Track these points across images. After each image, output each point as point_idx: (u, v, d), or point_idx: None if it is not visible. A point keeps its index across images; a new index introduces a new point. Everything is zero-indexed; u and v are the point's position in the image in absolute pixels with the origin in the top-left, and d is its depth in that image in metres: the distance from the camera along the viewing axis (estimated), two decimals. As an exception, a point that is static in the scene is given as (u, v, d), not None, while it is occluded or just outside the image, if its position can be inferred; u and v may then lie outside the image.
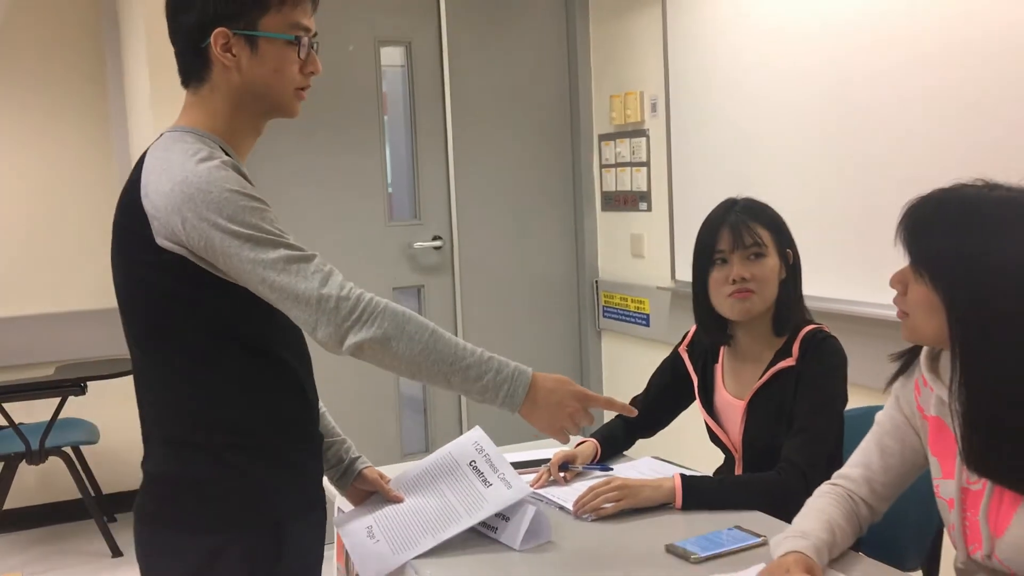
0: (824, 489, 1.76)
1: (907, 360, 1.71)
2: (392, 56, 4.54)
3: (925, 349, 1.64)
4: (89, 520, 4.45)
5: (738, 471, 2.22)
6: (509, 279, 4.77)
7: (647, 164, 4.33)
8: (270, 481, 1.65)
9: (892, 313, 1.62)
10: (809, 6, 3.27)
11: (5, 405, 4.15)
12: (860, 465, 1.75)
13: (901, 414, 1.71)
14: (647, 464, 2.31)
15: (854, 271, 3.12)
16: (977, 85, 2.71)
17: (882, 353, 1.76)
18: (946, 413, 1.56)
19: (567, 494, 2.06)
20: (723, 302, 2.15)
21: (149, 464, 1.70)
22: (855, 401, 2.19)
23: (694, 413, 2.35)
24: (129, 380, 4.78)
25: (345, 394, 4.16)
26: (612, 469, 2.26)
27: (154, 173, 1.56)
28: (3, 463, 4.27)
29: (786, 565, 1.53)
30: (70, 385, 4.26)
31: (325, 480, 1.90)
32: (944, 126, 2.81)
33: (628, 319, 4.58)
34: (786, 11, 3.37)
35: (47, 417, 4.25)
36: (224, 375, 1.61)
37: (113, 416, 4.72)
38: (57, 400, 4.25)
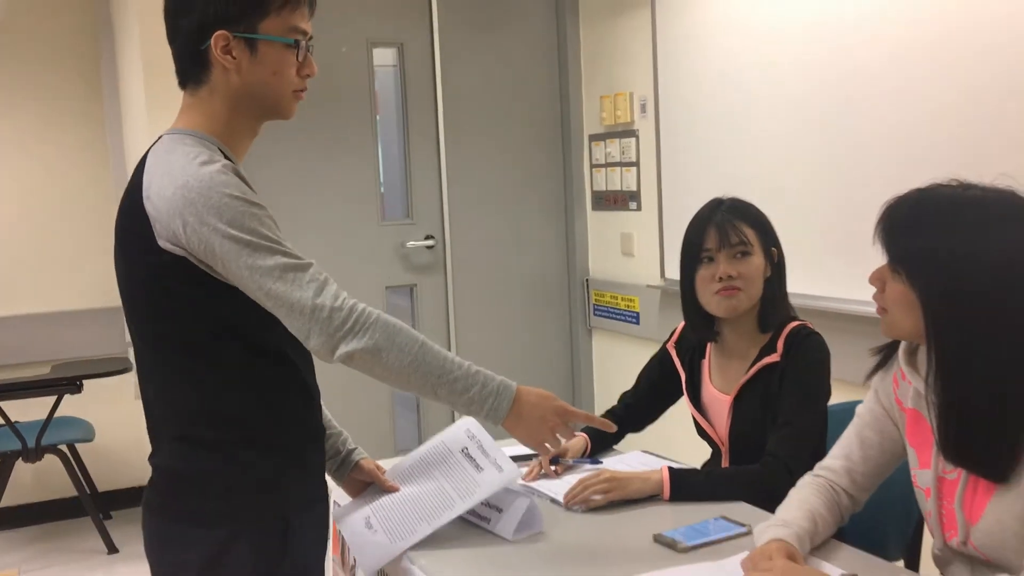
0: (806, 480, 1.82)
1: (886, 354, 1.76)
2: (384, 56, 4.58)
3: (903, 344, 1.69)
4: (85, 517, 4.48)
5: (725, 464, 2.27)
6: (501, 278, 4.81)
7: (637, 164, 4.38)
8: (277, 475, 1.68)
9: (873, 309, 1.68)
10: (796, 8, 3.33)
11: (1, 403, 4.18)
12: (841, 457, 1.80)
13: (880, 406, 1.77)
14: (636, 458, 2.35)
15: (837, 269, 3.18)
16: (961, 84, 2.76)
17: (864, 348, 1.81)
18: (923, 405, 1.61)
19: (558, 487, 2.10)
20: (710, 299, 2.20)
21: (157, 458, 1.72)
22: (839, 395, 2.24)
23: (682, 408, 2.39)
24: (123, 379, 4.82)
25: (339, 391, 4.17)
26: (602, 463, 2.30)
27: (156, 176, 1.58)
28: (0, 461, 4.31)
29: (768, 552, 1.58)
30: (66, 383, 4.29)
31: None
32: (927, 127, 2.87)
33: (618, 317, 4.63)
34: (774, 13, 3.43)
35: (43, 415, 4.27)
36: (230, 373, 1.64)
37: (108, 414, 4.76)
38: (53, 398, 4.28)
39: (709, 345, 2.33)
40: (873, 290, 1.64)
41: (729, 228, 2.18)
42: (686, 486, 2.03)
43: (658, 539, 1.80)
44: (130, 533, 4.56)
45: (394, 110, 4.62)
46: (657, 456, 2.36)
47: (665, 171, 4.12)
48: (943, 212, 1.51)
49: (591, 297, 4.85)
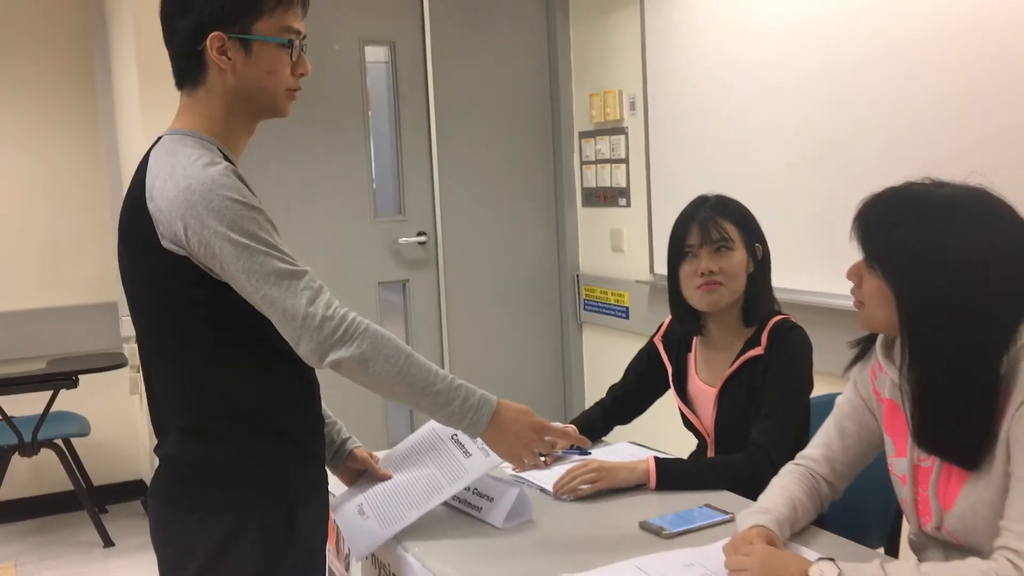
0: (788, 468, 1.87)
1: (864, 347, 1.81)
2: (376, 53, 4.61)
3: (881, 336, 1.73)
4: (81, 511, 4.52)
5: (710, 455, 2.32)
6: (492, 273, 4.85)
7: (626, 161, 4.43)
8: (284, 464, 1.72)
9: (852, 303, 1.73)
10: (783, 7, 3.37)
11: (-2, 398, 4.21)
12: (821, 446, 1.86)
13: (859, 397, 1.82)
14: (624, 449, 2.40)
15: (819, 264, 3.23)
16: (944, 82, 2.82)
17: (844, 341, 1.86)
18: (899, 395, 1.67)
19: (548, 477, 2.15)
20: (693, 294, 2.26)
21: (165, 449, 1.75)
22: (821, 388, 2.29)
23: (669, 400, 2.44)
24: (118, 374, 4.85)
25: (336, 384, 4.21)
26: (590, 453, 2.34)
27: (159, 178, 1.61)
28: (-4, 455, 4.34)
29: (749, 537, 1.63)
30: (62, 379, 4.33)
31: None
32: (911, 125, 2.92)
33: (608, 312, 4.68)
34: (761, 12, 3.47)
35: (39, 410, 4.31)
36: (236, 367, 1.67)
37: (103, 409, 4.81)
38: (49, 393, 4.31)
39: (695, 338, 2.38)
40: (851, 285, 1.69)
41: (711, 225, 2.23)
42: (671, 475, 2.08)
43: (644, 526, 1.86)
44: (126, 527, 4.61)
45: (386, 108, 4.65)
46: (644, 447, 2.40)
47: (654, 168, 4.17)
48: (916, 210, 1.56)
49: (581, 292, 4.90)
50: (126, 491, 4.98)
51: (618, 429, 2.52)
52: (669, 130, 4.04)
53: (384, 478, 2.00)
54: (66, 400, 4.46)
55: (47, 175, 4.81)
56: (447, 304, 4.76)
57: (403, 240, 4.64)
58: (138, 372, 4.78)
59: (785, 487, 1.81)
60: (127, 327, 4.69)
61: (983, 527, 1.56)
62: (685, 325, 2.36)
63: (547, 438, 1.80)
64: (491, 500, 1.93)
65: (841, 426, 1.84)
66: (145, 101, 3.89)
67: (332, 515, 2.02)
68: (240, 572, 1.68)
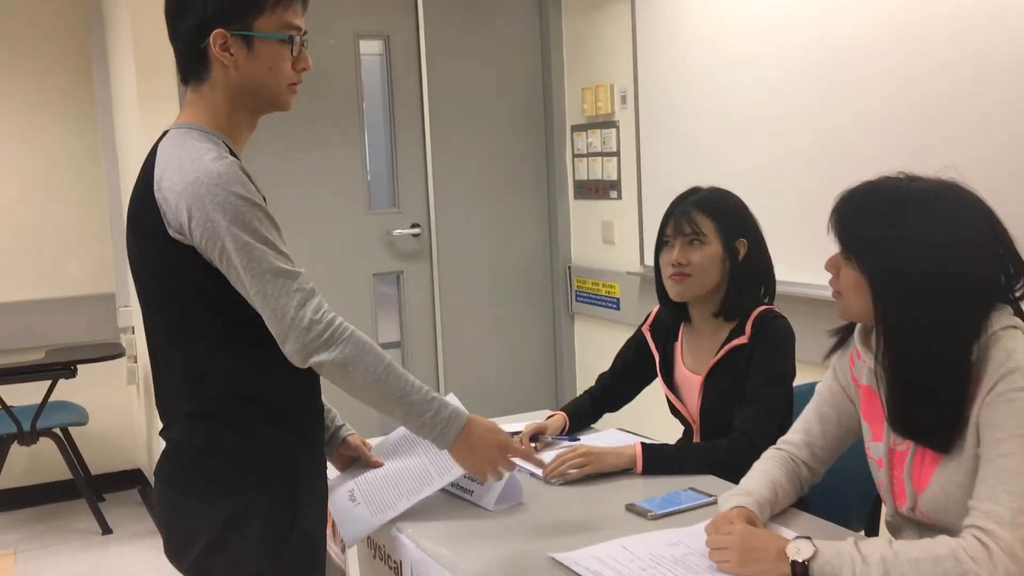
0: (769, 453, 1.93)
1: (843, 336, 1.87)
2: (371, 47, 4.65)
3: (859, 325, 1.79)
4: (79, 499, 4.58)
5: (696, 441, 2.37)
6: (485, 265, 4.90)
7: (617, 154, 4.48)
8: (288, 448, 1.77)
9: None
10: (773, 0, 3.41)
11: (-3, 388, 4.26)
12: (801, 431, 1.92)
13: (838, 384, 1.88)
14: (612, 435, 2.45)
15: (803, 255, 3.27)
16: (933, 77, 2.87)
17: (825, 330, 1.92)
18: (875, 382, 1.73)
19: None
20: (666, 282, 2.33)
21: (171, 432, 1.79)
22: (804, 376, 2.35)
23: (656, 388, 2.50)
24: (116, 364, 4.89)
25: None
26: (579, 440, 2.40)
27: (167, 170, 1.66)
28: (-5, 444, 4.38)
29: (730, 517, 1.69)
30: (60, 368, 4.38)
31: None
32: (899, 119, 2.97)
33: (599, 303, 4.73)
34: (751, 6, 3.52)
35: (37, 400, 4.36)
36: (242, 354, 1.72)
37: (101, 399, 4.85)
38: (47, 383, 4.36)
39: (682, 328, 2.44)
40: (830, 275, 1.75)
41: (684, 218, 2.29)
42: (657, 460, 2.14)
43: (630, 508, 1.92)
44: (123, 515, 4.66)
45: (380, 101, 4.69)
46: (632, 433, 2.46)
47: (644, 161, 4.22)
48: (890, 203, 1.62)
49: (573, 283, 4.95)
50: (123, 480, 5.04)
51: (607, 416, 2.57)
52: (659, 123, 4.10)
53: (376, 466, 2.06)
54: (64, 390, 4.51)
55: (45, 167, 4.85)
56: (440, 295, 4.80)
57: (397, 232, 4.68)
58: (135, 362, 4.83)
59: (766, 470, 1.87)
60: (124, 318, 4.74)
61: (955, 507, 1.61)
62: (671, 312, 2.42)
63: (510, 457, 1.86)
64: (482, 484, 1.98)
65: (821, 412, 1.90)
66: (142, 95, 3.92)
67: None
68: (244, 553, 1.73)
